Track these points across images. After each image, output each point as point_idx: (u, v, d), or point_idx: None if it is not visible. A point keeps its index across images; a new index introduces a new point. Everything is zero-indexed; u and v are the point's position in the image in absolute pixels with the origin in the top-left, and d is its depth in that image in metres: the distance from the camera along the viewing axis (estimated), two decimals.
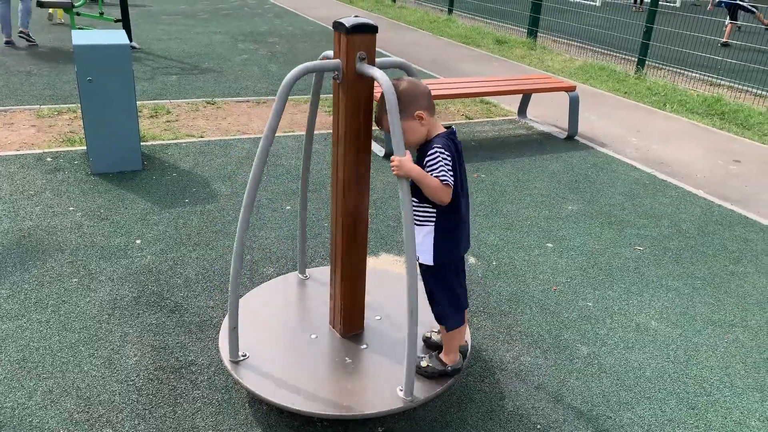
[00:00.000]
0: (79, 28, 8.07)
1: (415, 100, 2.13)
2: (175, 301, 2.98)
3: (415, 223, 2.18)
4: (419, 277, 2.24)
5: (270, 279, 3.11)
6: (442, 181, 2.05)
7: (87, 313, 2.85)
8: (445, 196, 2.09)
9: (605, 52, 9.94)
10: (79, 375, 2.47)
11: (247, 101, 6.33)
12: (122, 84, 4.16)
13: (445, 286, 2.29)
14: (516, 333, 2.93)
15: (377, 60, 2.21)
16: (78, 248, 3.38)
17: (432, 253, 2.22)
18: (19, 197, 3.91)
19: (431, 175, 2.06)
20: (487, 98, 6.92)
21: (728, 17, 12.02)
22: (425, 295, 2.37)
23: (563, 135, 5.88)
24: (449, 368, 2.36)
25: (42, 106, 5.65)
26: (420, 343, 2.55)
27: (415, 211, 2.19)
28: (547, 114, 6.54)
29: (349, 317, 2.53)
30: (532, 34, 10.77)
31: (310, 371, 2.34)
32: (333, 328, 2.58)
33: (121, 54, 4.09)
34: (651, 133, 6.16)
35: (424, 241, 2.21)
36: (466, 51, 9.90)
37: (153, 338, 2.71)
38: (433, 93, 5.26)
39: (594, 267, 3.57)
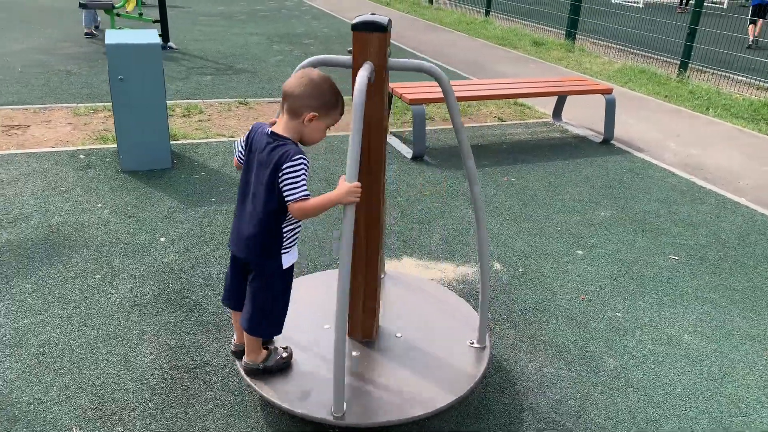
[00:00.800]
0: (118, 29, 8.25)
1: None
2: (194, 300, 2.98)
3: None
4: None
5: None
6: None
7: (107, 310, 2.87)
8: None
9: (646, 54, 9.66)
10: (95, 372, 2.48)
11: (279, 102, 6.33)
12: (153, 83, 4.20)
13: None
14: (540, 343, 2.82)
15: (400, 60, 2.15)
16: (103, 245, 3.42)
17: None
18: (51, 193, 3.97)
19: None
20: (521, 100, 6.79)
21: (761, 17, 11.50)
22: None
23: (599, 139, 5.71)
24: (260, 366, 2.26)
25: (79, 105, 5.77)
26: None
27: None
28: (582, 117, 6.37)
29: (360, 322, 2.47)
30: (570, 35, 10.56)
31: (326, 376, 2.29)
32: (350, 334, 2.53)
33: (152, 53, 4.12)
34: (691, 138, 5.94)
35: None
36: (503, 52, 9.75)
37: (170, 337, 2.71)
38: (465, 94, 5.26)
39: (625, 276, 3.43)
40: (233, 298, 2.24)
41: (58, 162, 4.47)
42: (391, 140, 5.36)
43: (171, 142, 4.91)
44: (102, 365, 2.52)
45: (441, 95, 5.13)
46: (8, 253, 3.27)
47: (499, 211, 4.13)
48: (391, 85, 5.22)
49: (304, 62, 2.19)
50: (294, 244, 2.14)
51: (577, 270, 3.47)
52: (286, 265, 2.11)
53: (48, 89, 6.20)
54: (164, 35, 8.18)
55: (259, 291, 2.13)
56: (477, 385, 2.33)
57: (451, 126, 5.95)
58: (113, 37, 4.17)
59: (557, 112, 6.26)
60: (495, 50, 9.92)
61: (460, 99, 5.29)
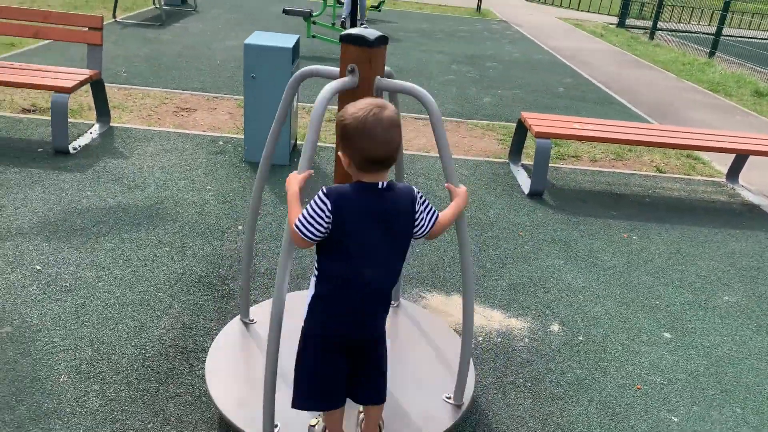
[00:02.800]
0: (312, 36, 8.95)
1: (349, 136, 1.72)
2: (230, 288, 3.10)
3: None
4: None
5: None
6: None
7: (155, 280, 3.11)
8: (294, 240, 1.80)
9: None
10: (110, 331, 2.70)
11: (427, 119, 6.34)
12: (281, 83, 4.46)
13: (303, 362, 1.88)
14: (552, 425, 2.42)
15: (389, 80, 2.02)
16: (188, 223, 3.72)
17: (304, 317, 1.86)
18: (176, 170, 4.44)
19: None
20: (696, 153, 5.93)
21: None
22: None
23: None
24: None
25: None
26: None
27: None
28: None
29: None
30: None
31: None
32: None
33: (283, 56, 4.39)
34: None
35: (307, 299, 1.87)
36: (708, 99, 8.62)
37: (189, 317, 2.85)
38: (623, 137, 4.70)
39: (711, 377, 2.80)
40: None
41: (199, 144, 4.97)
42: (517, 172, 5.04)
43: (298, 142, 5.20)
44: (119, 327, 2.74)
45: (580, 132, 4.69)
46: (112, 214, 3.73)
47: (594, 269, 3.64)
48: (523, 114, 4.90)
49: (296, 73, 2.15)
50: None
51: (650, 354, 2.92)
52: None
53: (230, 81, 6.94)
54: None
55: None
56: None
57: (597, 169, 5.41)
58: (254, 38, 4.52)
59: (733, 173, 5.34)
60: (700, 95, 8.81)
61: (608, 141, 4.74)
